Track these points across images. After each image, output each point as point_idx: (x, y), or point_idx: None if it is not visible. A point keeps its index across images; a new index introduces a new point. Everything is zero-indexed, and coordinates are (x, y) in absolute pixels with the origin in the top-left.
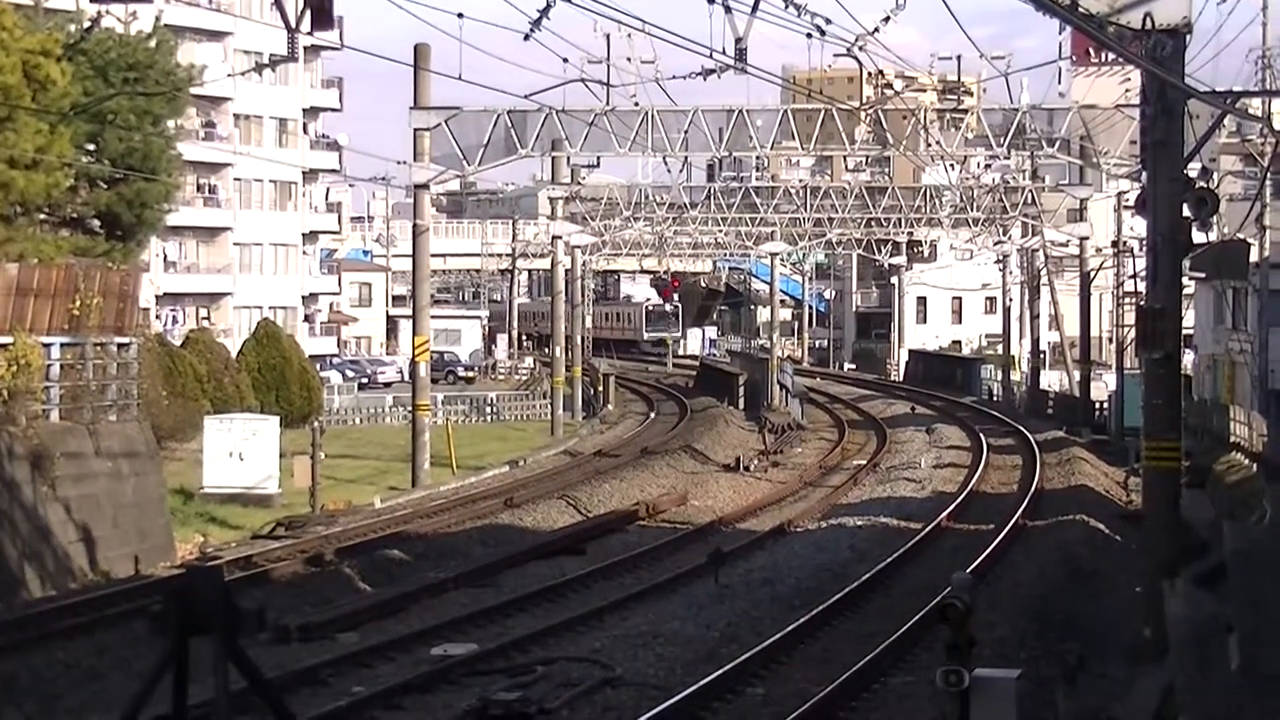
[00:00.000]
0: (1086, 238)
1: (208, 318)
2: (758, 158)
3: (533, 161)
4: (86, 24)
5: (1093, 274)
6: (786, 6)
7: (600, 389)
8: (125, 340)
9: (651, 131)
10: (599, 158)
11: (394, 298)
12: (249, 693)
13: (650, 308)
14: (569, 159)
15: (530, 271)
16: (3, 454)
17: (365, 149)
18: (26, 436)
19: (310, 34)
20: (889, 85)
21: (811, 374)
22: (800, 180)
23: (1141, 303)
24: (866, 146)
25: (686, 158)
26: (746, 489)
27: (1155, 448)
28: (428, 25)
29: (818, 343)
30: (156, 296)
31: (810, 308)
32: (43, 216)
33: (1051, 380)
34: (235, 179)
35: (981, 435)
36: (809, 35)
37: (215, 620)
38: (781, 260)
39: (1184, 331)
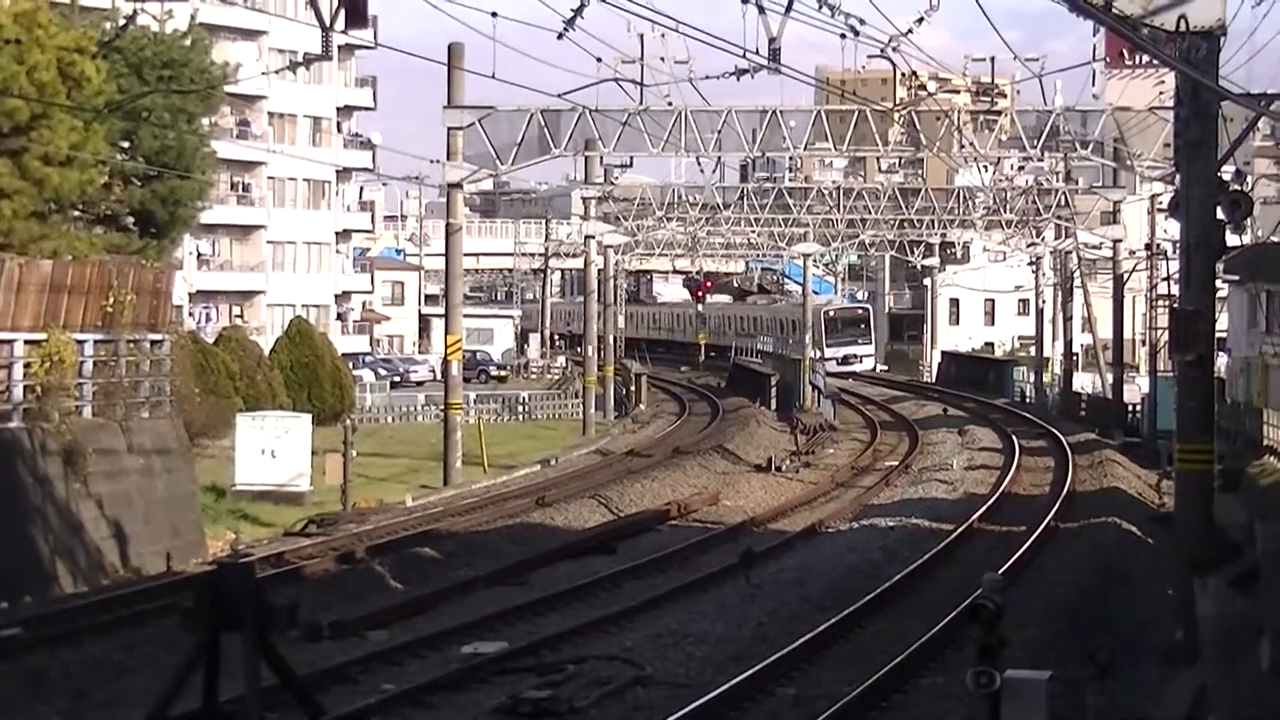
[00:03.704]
0: (1120, 240)
1: (241, 315)
2: (791, 158)
3: (566, 161)
4: (122, 21)
5: (1126, 276)
6: (820, 7)
7: (632, 389)
8: (158, 337)
9: (685, 131)
10: (632, 157)
11: (427, 297)
12: (280, 689)
13: (833, 313)
14: (602, 159)
15: (563, 271)
16: (36, 450)
17: (399, 148)
18: (59, 433)
19: (344, 33)
20: (922, 86)
21: (843, 375)
22: (833, 181)
23: (1175, 305)
24: (900, 148)
25: (719, 158)
26: (778, 489)
27: (1188, 450)
28: (462, 24)
29: None
30: (190, 294)
31: None
32: (77, 213)
33: (1084, 382)
34: (269, 177)
35: (1013, 437)
36: (842, 36)
37: (246, 616)
38: (814, 261)
39: (1217, 334)
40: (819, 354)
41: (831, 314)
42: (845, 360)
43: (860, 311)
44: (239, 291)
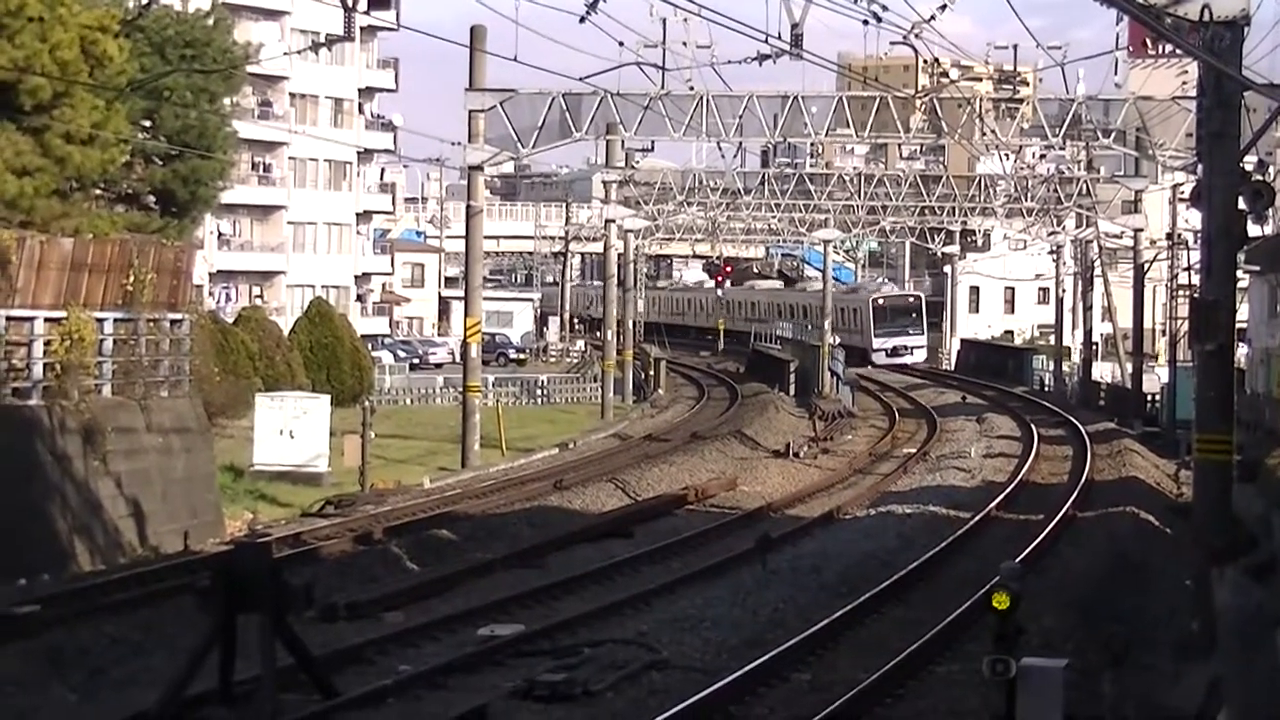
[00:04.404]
0: (1141, 229)
1: (260, 296)
2: (812, 144)
3: (587, 145)
4: (144, 1)
5: (1147, 266)
6: None
7: (651, 373)
8: (178, 316)
9: (706, 116)
10: (653, 142)
11: (446, 279)
12: (295, 669)
13: (883, 301)
14: (623, 142)
15: (583, 255)
16: (55, 428)
17: (420, 130)
18: (79, 411)
19: (367, 14)
20: (945, 74)
21: (892, 368)
22: (854, 167)
23: (1195, 295)
24: (921, 135)
25: (741, 143)
26: (796, 475)
27: (1207, 440)
28: (484, 7)
29: None
30: (210, 274)
31: None
32: (98, 192)
33: (1103, 372)
34: (290, 158)
35: (1032, 425)
36: (865, 22)
37: (263, 597)
38: (835, 247)
39: (1238, 325)
40: (831, 344)
41: (881, 302)
42: (895, 352)
43: (912, 300)
44: (259, 272)
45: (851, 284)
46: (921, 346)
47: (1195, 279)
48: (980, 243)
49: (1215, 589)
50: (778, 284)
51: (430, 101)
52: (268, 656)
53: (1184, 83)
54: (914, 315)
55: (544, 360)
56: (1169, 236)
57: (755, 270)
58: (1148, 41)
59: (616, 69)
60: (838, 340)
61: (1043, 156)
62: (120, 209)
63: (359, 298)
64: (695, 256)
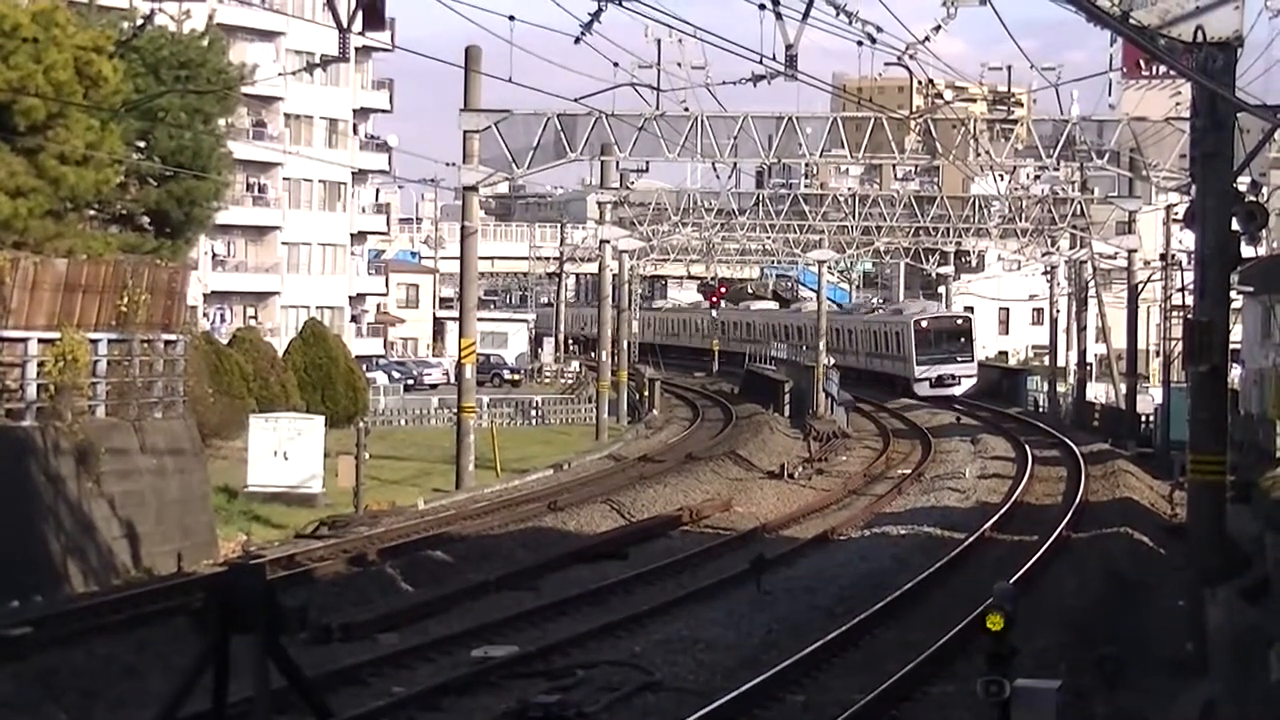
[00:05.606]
0: (1135, 250)
1: (255, 316)
2: (807, 165)
3: (582, 165)
4: (139, 21)
5: (1141, 287)
6: (838, 14)
7: (646, 394)
8: (172, 337)
9: (701, 137)
10: (648, 162)
11: (441, 300)
12: (289, 691)
13: (926, 323)
14: (618, 163)
15: (578, 275)
16: (49, 449)
17: (415, 150)
18: (72, 432)
19: (362, 34)
20: (939, 95)
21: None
22: (849, 188)
23: (1189, 316)
24: (916, 155)
25: (735, 164)
26: (790, 496)
27: (1200, 461)
28: (479, 27)
29: None
30: (204, 294)
31: None
32: (92, 213)
33: (1097, 392)
34: (285, 178)
35: (1027, 446)
36: (860, 43)
37: (256, 618)
38: (829, 268)
39: (1231, 346)
40: (826, 364)
41: (925, 325)
42: (940, 381)
43: (961, 322)
44: (254, 292)
45: (894, 305)
46: (971, 375)
47: (1189, 300)
48: (975, 263)
49: (1209, 610)
50: (773, 304)
51: (425, 121)
52: (261, 678)
53: (1178, 104)
54: (962, 340)
55: (539, 381)
56: (1163, 257)
57: (750, 291)
58: (1141, 63)
59: (611, 90)
60: (832, 361)
61: (1037, 177)
62: (114, 230)
63: (354, 318)
64: (690, 277)
